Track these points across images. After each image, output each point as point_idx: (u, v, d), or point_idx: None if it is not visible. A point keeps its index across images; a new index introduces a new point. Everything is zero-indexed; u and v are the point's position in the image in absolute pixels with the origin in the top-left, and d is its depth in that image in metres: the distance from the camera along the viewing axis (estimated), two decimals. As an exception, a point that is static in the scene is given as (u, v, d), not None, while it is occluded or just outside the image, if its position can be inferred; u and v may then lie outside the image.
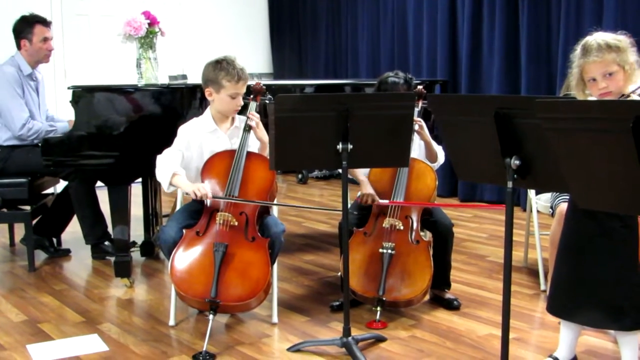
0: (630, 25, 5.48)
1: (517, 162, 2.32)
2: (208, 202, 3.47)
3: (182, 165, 3.56)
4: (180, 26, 8.53)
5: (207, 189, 3.38)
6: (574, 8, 5.84)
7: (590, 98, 2.79)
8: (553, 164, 2.11)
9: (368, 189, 3.79)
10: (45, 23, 4.86)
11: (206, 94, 3.60)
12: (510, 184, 2.36)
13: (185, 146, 3.59)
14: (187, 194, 3.43)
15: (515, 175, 2.35)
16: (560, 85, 5.77)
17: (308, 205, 4.06)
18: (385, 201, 3.75)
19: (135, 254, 4.86)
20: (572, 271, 2.80)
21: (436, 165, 3.98)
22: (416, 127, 3.79)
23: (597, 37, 2.73)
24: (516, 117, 2.30)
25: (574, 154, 1.92)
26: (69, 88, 4.16)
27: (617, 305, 2.69)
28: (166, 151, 3.56)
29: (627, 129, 1.68)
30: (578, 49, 2.78)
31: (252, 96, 3.73)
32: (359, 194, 3.81)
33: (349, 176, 4.02)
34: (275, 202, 3.74)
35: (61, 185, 5.14)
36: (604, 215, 2.68)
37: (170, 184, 3.45)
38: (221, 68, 3.52)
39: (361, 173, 3.88)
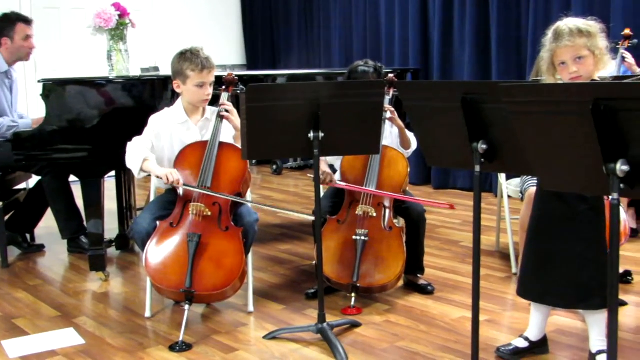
0: (597, 12, 5.55)
1: (484, 146, 2.37)
2: (180, 190, 3.48)
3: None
4: (152, 18, 8.50)
5: (179, 175, 3.39)
6: (542, -5, 5.92)
7: (560, 82, 2.83)
8: (519, 147, 2.14)
9: (324, 167, 3.86)
10: (27, 21, 4.85)
11: (174, 86, 3.61)
12: (478, 168, 2.41)
13: (155, 135, 3.60)
14: (158, 177, 3.43)
15: (482, 160, 2.40)
16: (530, 71, 5.84)
17: (276, 207, 3.99)
18: (343, 183, 3.80)
19: (110, 248, 4.86)
20: (541, 254, 2.85)
21: (410, 152, 4.02)
22: (387, 114, 3.83)
23: (569, 22, 2.77)
24: (483, 103, 2.34)
25: (537, 136, 1.96)
26: (39, 81, 4.14)
27: (586, 286, 2.75)
28: (136, 138, 3.57)
29: (587, 111, 1.72)
30: (549, 34, 2.81)
31: (224, 87, 3.74)
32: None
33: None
34: (247, 197, 3.74)
35: (33, 180, 5.11)
36: (572, 198, 2.73)
37: (141, 169, 3.46)
38: (185, 59, 3.53)
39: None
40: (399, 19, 7.29)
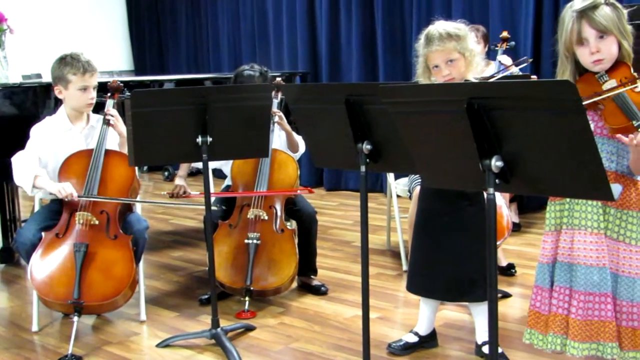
0: (477, 15, 5.77)
1: (369, 146, 2.42)
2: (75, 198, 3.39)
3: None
4: (33, 23, 8.21)
5: (72, 188, 3.31)
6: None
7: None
8: (402, 146, 2.20)
9: (178, 181, 3.94)
10: None
11: (56, 92, 3.51)
12: (363, 168, 2.46)
13: (40, 147, 3.49)
14: (51, 194, 3.34)
15: (367, 160, 2.45)
16: (415, 72, 6.02)
17: (164, 201, 3.86)
18: (196, 192, 3.83)
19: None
20: (427, 250, 2.95)
21: (298, 155, 4.06)
22: (276, 118, 3.86)
23: (439, 27, 2.86)
24: (365, 104, 2.39)
25: (417, 135, 2.02)
26: None
27: (470, 278, 2.85)
28: (21, 154, 3.45)
29: (462, 110, 1.78)
30: (422, 39, 2.91)
31: (109, 94, 3.67)
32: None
33: (216, 167, 4.08)
34: (139, 199, 3.70)
35: None
36: (453, 195, 2.83)
37: (34, 186, 3.35)
38: (65, 63, 3.44)
39: (183, 168, 4.05)
40: (287, 23, 7.34)
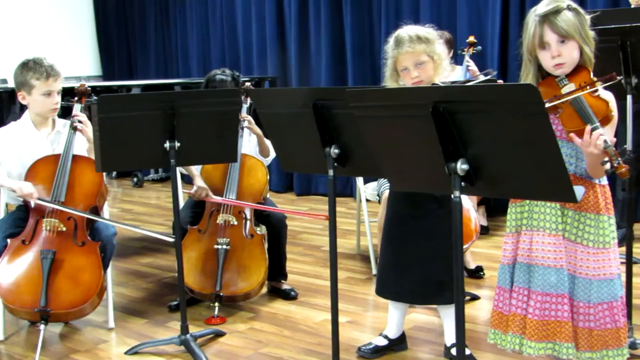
0: (444, 18, 5.83)
1: (337, 151, 2.43)
2: (32, 203, 3.34)
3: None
4: (-2, 29, 8.14)
5: (32, 189, 3.27)
6: (393, 5, 6.15)
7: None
8: (369, 150, 2.21)
9: (200, 182, 3.83)
10: None
11: (19, 98, 3.47)
12: (331, 173, 2.47)
13: (3, 152, 3.45)
14: (12, 189, 3.30)
15: (335, 164, 2.46)
16: (384, 77, 6.05)
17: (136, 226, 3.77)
18: (219, 198, 3.78)
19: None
20: (396, 253, 2.96)
21: (269, 159, 4.06)
22: (245, 123, 3.86)
23: (408, 30, 2.89)
24: (333, 108, 2.40)
25: (384, 139, 2.04)
26: None
27: (438, 281, 2.87)
28: None
29: (428, 113, 1.80)
30: (391, 41, 2.93)
31: (76, 98, 3.63)
32: (194, 188, 3.83)
33: (185, 173, 4.05)
34: (104, 210, 3.66)
35: None
36: (421, 198, 2.85)
37: None
38: (28, 69, 3.41)
39: (194, 168, 3.90)
40: (256, 29, 7.34)
